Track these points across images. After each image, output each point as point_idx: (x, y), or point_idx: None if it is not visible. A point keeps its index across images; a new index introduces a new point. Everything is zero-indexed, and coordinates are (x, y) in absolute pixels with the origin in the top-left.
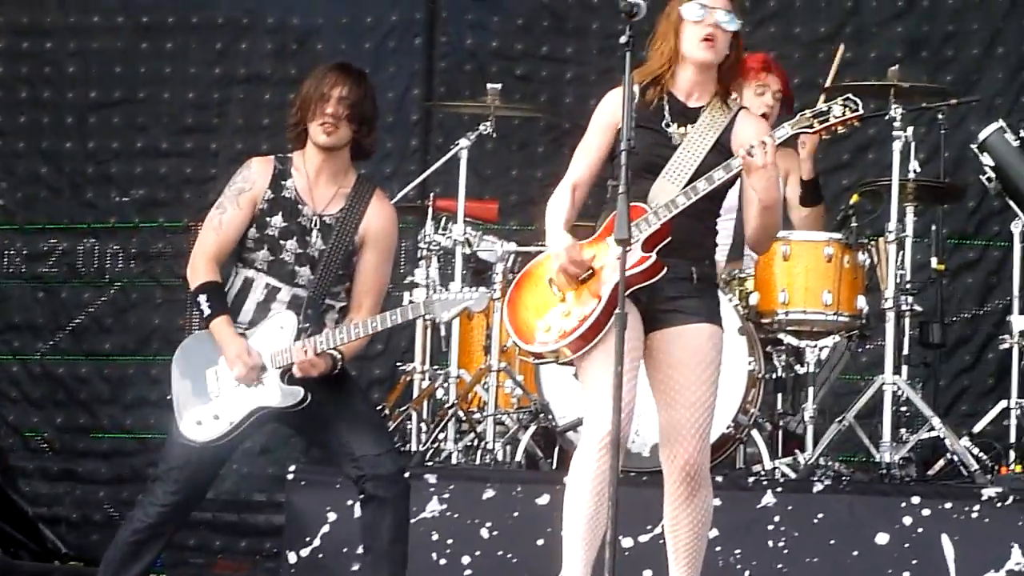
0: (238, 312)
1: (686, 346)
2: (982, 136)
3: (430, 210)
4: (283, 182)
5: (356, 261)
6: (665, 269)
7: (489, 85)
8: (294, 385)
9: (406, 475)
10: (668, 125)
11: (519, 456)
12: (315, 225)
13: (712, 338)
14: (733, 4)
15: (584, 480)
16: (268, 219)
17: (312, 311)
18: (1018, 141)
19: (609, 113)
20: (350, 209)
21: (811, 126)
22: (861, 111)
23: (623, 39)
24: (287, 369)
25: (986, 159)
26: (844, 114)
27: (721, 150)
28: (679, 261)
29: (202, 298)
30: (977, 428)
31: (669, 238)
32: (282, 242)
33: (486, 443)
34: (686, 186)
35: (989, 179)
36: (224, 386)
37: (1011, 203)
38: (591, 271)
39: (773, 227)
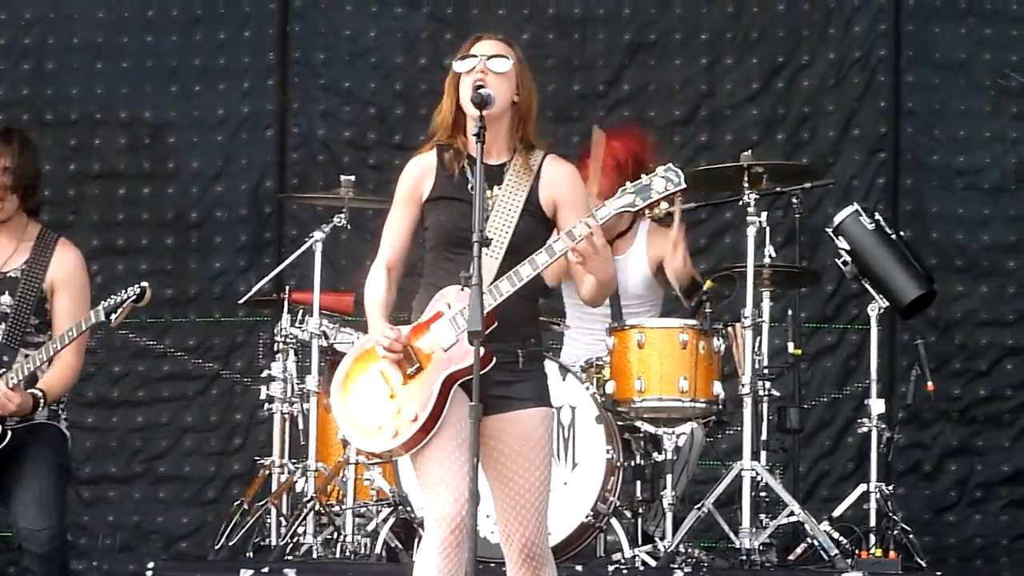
0: None
1: (518, 433)
2: (837, 220)
3: (286, 303)
4: None
5: (50, 308)
6: (495, 360)
7: (343, 177)
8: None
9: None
10: (473, 189)
11: (379, 548)
12: None
13: (544, 422)
14: (509, 48)
15: None
16: None
17: (7, 358)
18: (874, 224)
19: (410, 185)
20: (34, 260)
21: (634, 204)
22: (683, 184)
23: (475, 130)
24: None
25: (841, 243)
26: (666, 188)
27: (532, 210)
28: (504, 345)
29: None
30: (837, 512)
31: (496, 323)
32: None
33: (345, 536)
34: (504, 258)
35: (845, 263)
36: None
37: (867, 286)
38: (419, 365)
39: (609, 290)
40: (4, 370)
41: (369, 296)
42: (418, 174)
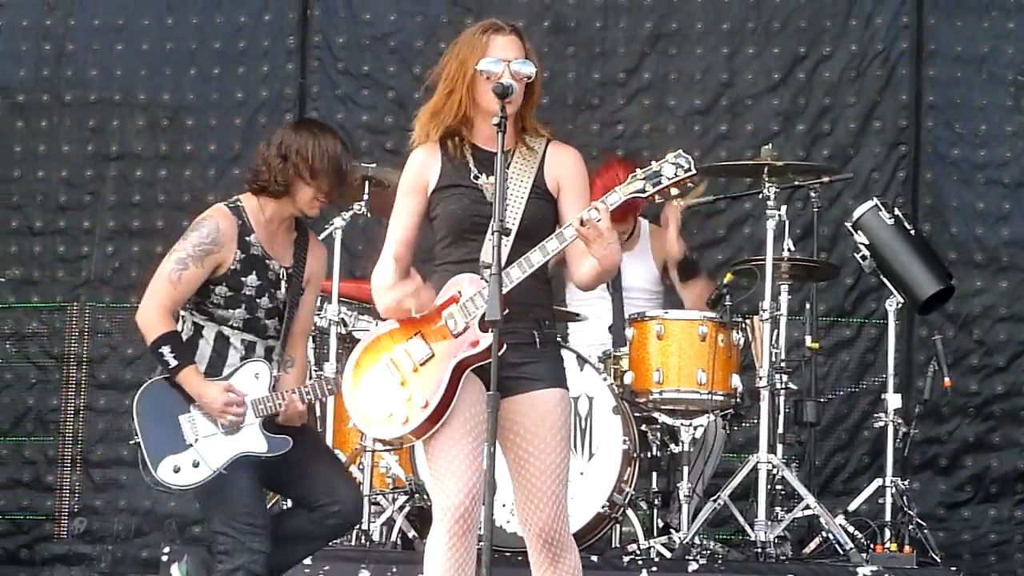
0: (221, 368)
1: (534, 414)
2: (856, 214)
3: None
4: (247, 238)
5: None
6: (506, 346)
7: (362, 165)
8: (278, 434)
9: None
10: (477, 178)
11: (394, 536)
12: (282, 277)
13: (560, 403)
14: (525, 47)
15: (439, 569)
16: (243, 279)
17: (278, 359)
18: (893, 219)
19: (416, 175)
20: (298, 256)
21: (644, 190)
22: (693, 170)
23: (495, 120)
24: (270, 418)
25: (860, 237)
26: (676, 174)
27: (540, 193)
28: (520, 325)
29: (165, 349)
30: (852, 506)
31: (507, 310)
32: (257, 300)
33: (361, 523)
34: (515, 242)
35: (864, 257)
36: (201, 432)
37: (885, 281)
38: (431, 353)
39: (606, 277)
40: (281, 364)
41: (380, 290)
42: (422, 164)
